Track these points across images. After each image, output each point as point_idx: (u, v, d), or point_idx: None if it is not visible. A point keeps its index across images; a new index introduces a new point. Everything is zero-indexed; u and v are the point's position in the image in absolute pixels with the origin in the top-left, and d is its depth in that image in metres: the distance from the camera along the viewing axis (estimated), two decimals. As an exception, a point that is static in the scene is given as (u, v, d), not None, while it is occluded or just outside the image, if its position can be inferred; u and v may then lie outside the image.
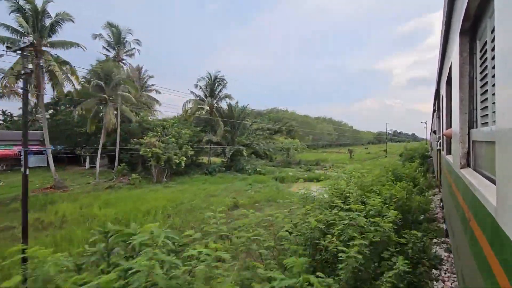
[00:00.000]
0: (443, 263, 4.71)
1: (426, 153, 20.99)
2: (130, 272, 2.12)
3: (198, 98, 34.69)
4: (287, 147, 42.97)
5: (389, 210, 5.04)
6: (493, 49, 1.51)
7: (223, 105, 35.51)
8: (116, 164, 28.16)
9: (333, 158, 50.71)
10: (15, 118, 53.58)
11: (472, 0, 1.80)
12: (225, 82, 34.87)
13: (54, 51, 21.85)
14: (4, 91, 21.39)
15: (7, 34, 19.66)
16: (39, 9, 20.19)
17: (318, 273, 2.80)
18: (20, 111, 53.14)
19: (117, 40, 28.94)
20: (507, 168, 1.05)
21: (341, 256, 3.27)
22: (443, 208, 7.45)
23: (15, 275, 2.10)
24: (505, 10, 1.06)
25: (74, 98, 25.55)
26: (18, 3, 19.47)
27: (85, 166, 35.46)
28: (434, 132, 10.84)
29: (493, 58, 1.53)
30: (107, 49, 29.50)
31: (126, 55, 30.68)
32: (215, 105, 34.88)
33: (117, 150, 28.45)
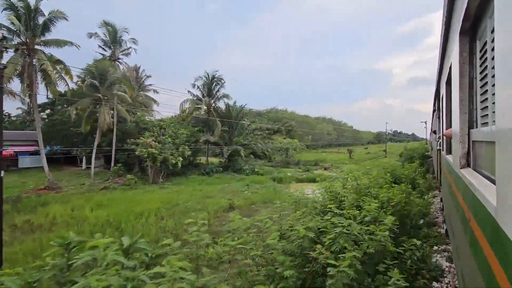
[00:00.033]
0: (445, 275, 4.35)
1: (426, 153, 20.65)
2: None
3: (195, 98, 34.35)
4: (286, 147, 42.60)
5: (386, 216, 4.70)
6: (493, 49, 1.50)
7: (221, 105, 35.21)
8: (112, 164, 27.81)
9: (333, 158, 50.34)
10: (13, 118, 53.31)
11: (472, 0, 1.78)
12: (223, 81, 34.57)
13: (48, 50, 21.58)
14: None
15: (-1, 32, 19.31)
16: (32, 7, 19.83)
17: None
18: (18, 111, 52.80)
19: (113, 39, 28.60)
20: (507, 168, 1.04)
21: (330, 271, 2.92)
22: (443, 209, 7.25)
23: None
24: (505, 10, 1.06)
25: (69, 98, 25.21)
26: (10, 0, 19.11)
27: (81, 166, 35.10)
28: (434, 132, 10.60)
29: (493, 58, 1.52)
30: (103, 48, 29.19)
31: (123, 54, 30.38)
32: (213, 104, 34.54)
33: (113, 150, 28.11)
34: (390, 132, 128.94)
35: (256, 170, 30.99)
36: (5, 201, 18.07)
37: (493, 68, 1.55)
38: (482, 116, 2.02)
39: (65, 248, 2.85)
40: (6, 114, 52.44)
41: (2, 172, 8.91)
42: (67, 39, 21.67)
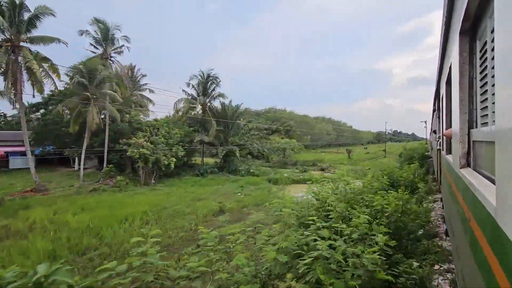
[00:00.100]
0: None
1: (426, 153, 19.92)
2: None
3: (190, 97, 33.60)
4: (283, 147, 41.85)
5: (379, 229, 3.98)
6: (493, 49, 1.49)
7: (217, 104, 34.45)
8: (104, 165, 27.08)
9: (331, 158, 49.59)
10: (9, 119, 52.59)
11: (472, 0, 1.79)
12: (218, 80, 33.80)
13: (37, 48, 20.83)
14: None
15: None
16: (17, 2, 19.09)
17: None
18: (14, 111, 52.23)
19: (105, 36, 27.81)
20: (506, 168, 1.05)
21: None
22: (443, 208, 7.00)
23: None
24: (505, 10, 1.06)
25: (58, 98, 24.47)
26: (-7, -4, 18.38)
27: (74, 167, 34.36)
28: (434, 131, 10.02)
29: (493, 58, 1.52)
30: (94, 46, 28.39)
31: (115, 52, 29.56)
32: (208, 104, 33.78)
33: (105, 151, 27.39)
34: (390, 132, 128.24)
35: (252, 171, 30.25)
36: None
37: (493, 68, 1.55)
38: (482, 116, 2.02)
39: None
40: (2, 114, 51.80)
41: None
42: (66, 39, 21.06)
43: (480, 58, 1.99)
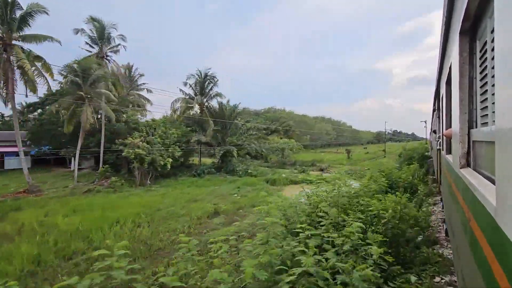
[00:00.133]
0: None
1: (426, 153, 19.57)
2: None
3: (187, 97, 33.23)
4: (282, 147, 41.46)
5: (374, 237, 3.64)
6: (493, 49, 1.50)
7: (214, 103, 34.08)
8: (100, 165, 26.72)
9: (330, 158, 49.21)
10: (6, 119, 52.21)
11: (472, 0, 1.77)
12: (216, 79, 33.47)
13: (31, 47, 20.42)
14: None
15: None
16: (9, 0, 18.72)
17: None
18: (11, 111, 51.85)
19: (101, 35, 27.43)
20: (506, 168, 1.05)
21: None
22: (443, 208, 6.91)
23: None
24: (505, 10, 1.06)
25: (52, 98, 24.10)
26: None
27: (70, 168, 34.00)
28: (434, 131, 9.73)
29: (493, 58, 1.52)
30: (90, 45, 28.01)
31: (111, 52, 29.18)
32: (206, 103, 33.41)
33: (101, 151, 27.03)
34: (389, 132, 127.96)
35: (249, 171, 29.87)
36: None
37: (493, 68, 1.54)
38: (482, 116, 2.03)
39: None
40: (-1, 114, 51.53)
41: None
42: (65, 39, 20.72)
43: (480, 58, 1.98)
